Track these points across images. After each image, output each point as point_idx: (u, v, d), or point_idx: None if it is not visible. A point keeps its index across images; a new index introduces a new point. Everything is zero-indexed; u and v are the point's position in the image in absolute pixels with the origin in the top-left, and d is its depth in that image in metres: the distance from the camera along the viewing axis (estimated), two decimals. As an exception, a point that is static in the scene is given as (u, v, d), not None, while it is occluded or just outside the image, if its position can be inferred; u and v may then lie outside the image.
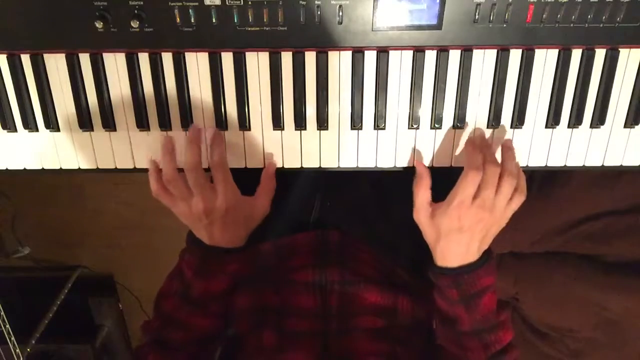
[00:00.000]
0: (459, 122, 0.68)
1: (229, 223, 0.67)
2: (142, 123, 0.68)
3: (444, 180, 0.66)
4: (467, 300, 0.64)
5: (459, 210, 0.61)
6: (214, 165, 0.66)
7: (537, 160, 0.70)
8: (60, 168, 0.71)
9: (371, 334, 0.69)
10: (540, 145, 0.70)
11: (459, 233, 0.62)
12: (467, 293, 0.64)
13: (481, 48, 0.65)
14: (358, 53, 0.65)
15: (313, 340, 0.69)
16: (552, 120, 0.68)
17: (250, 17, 0.62)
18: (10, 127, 0.68)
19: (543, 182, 1.34)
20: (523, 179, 0.65)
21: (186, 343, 0.70)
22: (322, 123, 0.68)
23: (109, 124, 0.68)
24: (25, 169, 0.71)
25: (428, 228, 0.65)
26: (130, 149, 0.69)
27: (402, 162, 0.70)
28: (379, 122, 0.68)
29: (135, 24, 0.61)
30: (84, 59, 0.65)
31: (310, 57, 0.65)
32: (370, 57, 0.65)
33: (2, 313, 1.42)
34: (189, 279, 0.69)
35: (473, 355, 0.65)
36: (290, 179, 0.81)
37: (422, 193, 0.65)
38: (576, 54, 0.66)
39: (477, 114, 0.68)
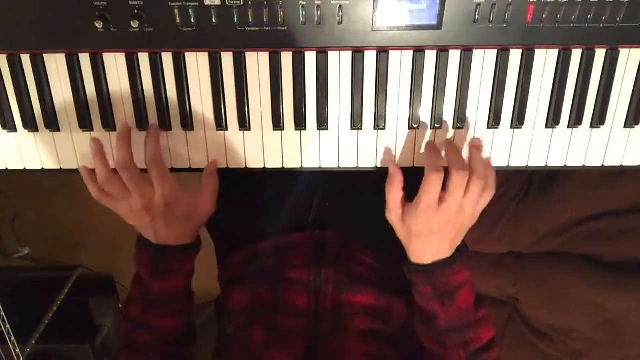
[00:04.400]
0: (459, 122, 0.68)
1: (171, 219, 0.67)
2: (142, 123, 0.68)
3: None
4: (442, 297, 0.64)
5: (426, 213, 0.61)
6: (148, 162, 0.66)
7: (537, 160, 0.70)
8: (60, 168, 0.71)
9: (362, 335, 0.70)
10: (540, 145, 0.70)
11: (430, 235, 0.63)
12: (441, 289, 0.64)
13: (481, 48, 0.65)
14: (358, 53, 0.65)
15: (302, 339, 0.69)
16: (552, 120, 0.68)
17: (250, 17, 0.62)
18: (10, 127, 0.68)
19: (543, 182, 1.34)
20: (492, 175, 0.65)
21: (155, 344, 0.72)
22: (322, 123, 0.68)
23: (109, 124, 0.68)
24: (25, 169, 0.71)
25: (400, 228, 0.66)
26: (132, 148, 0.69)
27: (403, 163, 0.70)
28: (379, 122, 0.68)
29: (135, 24, 0.61)
30: (84, 59, 0.65)
31: (310, 57, 0.65)
32: (370, 57, 0.65)
33: (2, 313, 1.42)
34: (146, 280, 0.70)
35: (453, 353, 0.66)
36: (289, 179, 0.82)
37: (395, 193, 0.65)
38: (576, 54, 0.66)
39: (477, 114, 0.68)
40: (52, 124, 0.68)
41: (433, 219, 0.62)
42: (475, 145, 0.67)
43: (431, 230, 0.62)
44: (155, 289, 0.70)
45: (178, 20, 0.62)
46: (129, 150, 0.65)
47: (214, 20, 0.62)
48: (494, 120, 0.68)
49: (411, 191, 0.64)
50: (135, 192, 0.65)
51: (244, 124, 0.68)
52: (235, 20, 0.62)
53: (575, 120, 0.68)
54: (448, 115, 0.68)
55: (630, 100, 0.68)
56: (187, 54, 0.65)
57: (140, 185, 0.65)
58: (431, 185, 0.61)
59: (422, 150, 0.69)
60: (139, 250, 0.72)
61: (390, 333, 0.72)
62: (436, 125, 0.68)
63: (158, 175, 0.65)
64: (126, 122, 0.67)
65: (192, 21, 0.62)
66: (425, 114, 0.68)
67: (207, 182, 0.70)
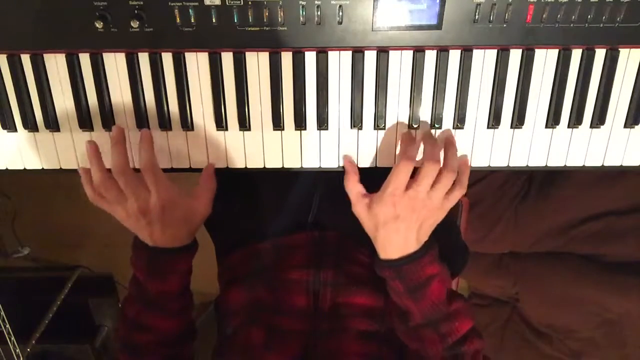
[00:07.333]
0: (459, 122, 0.68)
1: (168, 223, 0.67)
2: (142, 123, 0.68)
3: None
4: (413, 291, 0.64)
5: (392, 197, 0.62)
6: (142, 167, 0.65)
7: (537, 160, 0.70)
8: (60, 168, 0.71)
9: (360, 336, 0.70)
10: (540, 145, 0.70)
11: (395, 221, 0.63)
12: (411, 284, 0.64)
13: (481, 48, 0.65)
14: (358, 53, 0.65)
15: (300, 339, 0.69)
16: (552, 120, 0.68)
17: (250, 17, 0.62)
18: (10, 127, 0.68)
19: (543, 182, 1.35)
20: (465, 174, 0.66)
21: (154, 345, 0.72)
22: (322, 123, 0.68)
23: (109, 124, 0.68)
24: (25, 168, 0.71)
25: (367, 219, 0.66)
26: (130, 148, 0.69)
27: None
28: (379, 122, 0.68)
29: (135, 24, 0.61)
30: (84, 59, 0.65)
31: (310, 57, 0.65)
32: (370, 57, 0.65)
33: (2, 313, 1.42)
34: (143, 282, 0.70)
35: (430, 348, 0.66)
36: (289, 179, 0.81)
37: (353, 186, 0.66)
38: (576, 54, 0.66)
39: (477, 114, 0.68)
40: (52, 124, 0.68)
41: (398, 203, 0.62)
42: (450, 141, 0.67)
43: (396, 216, 0.63)
44: (152, 290, 0.70)
45: (178, 20, 0.62)
46: (125, 154, 0.65)
47: (214, 20, 0.62)
48: (494, 120, 0.68)
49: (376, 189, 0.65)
50: (131, 196, 0.64)
51: (244, 124, 0.68)
52: (235, 20, 0.62)
53: (575, 120, 0.68)
54: (448, 115, 0.68)
55: (630, 100, 0.68)
56: (187, 54, 0.65)
57: (136, 189, 0.64)
58: (401, 171, 0.62)
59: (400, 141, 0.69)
60: (135, 253, 0.71)
61: (388, 334, 0.72)
62: (436, 125, 0.68)
63: (153, 180, 0.65)
64: (119, 126, 0.66)
65: (192, 21, 0.62)
66: (425, 114, 0.68)
67: (204, 184, 0.70)
